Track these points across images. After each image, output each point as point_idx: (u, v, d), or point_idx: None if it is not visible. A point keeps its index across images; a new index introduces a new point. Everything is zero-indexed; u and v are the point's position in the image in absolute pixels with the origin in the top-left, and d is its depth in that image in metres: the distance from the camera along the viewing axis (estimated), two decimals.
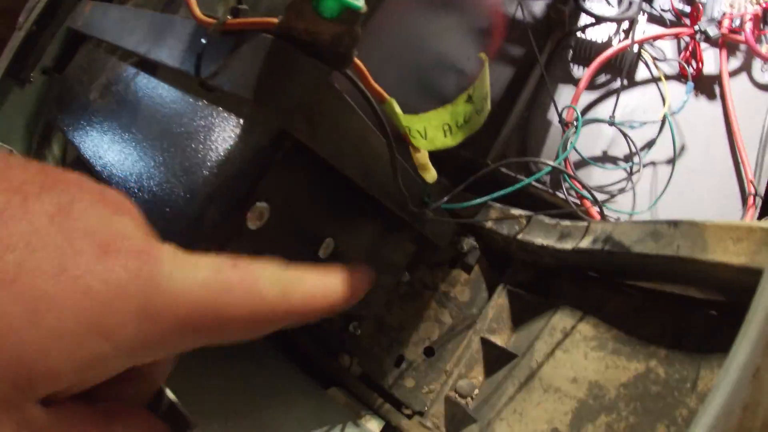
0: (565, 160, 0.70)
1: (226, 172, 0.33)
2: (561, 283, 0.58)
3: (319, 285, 0.24)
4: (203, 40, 0.34)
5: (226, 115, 0.36)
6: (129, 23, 0.49)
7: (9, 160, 0.19)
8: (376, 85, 0.30)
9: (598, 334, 0.52)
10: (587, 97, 0.77)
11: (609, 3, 0.83)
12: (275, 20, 0.28)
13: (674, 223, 0.45)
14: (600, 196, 0.70)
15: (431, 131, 0.30)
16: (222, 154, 0.34)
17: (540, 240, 0.56)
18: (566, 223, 0.55)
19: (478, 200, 0.56)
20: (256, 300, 0.21)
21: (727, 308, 0.48)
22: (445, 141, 0.31)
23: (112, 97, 0.49)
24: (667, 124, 0.73)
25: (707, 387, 0.45)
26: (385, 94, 0.30)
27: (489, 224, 0.60)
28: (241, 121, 0.34)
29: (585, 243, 0.52)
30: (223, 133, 0.35)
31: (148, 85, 0.45)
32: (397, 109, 0.29)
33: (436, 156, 0.41)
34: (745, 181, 0.69)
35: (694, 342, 0.48)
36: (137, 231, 0.20)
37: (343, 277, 0.26)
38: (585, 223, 0.53)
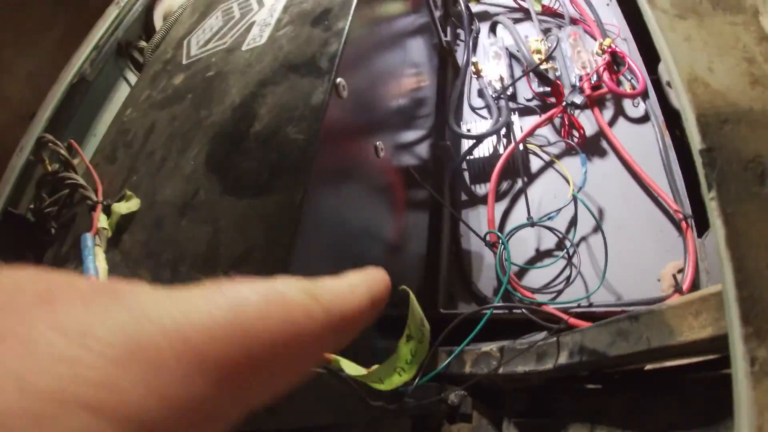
0: (509, 279, 0.71)
1: None
2: (560, 400, 0.58)
3: (342, 284, 0.20)
4: None
5: None
6: None
7: None
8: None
9: None
10: (499, 209, 0.81)
11: (482, 117, 0.92)
12: None
13: (634, 317, 0.47)
14: (552, 293, 0.72)
15: (386, 376, 0.31)
16: None
17: (521, 367, 0.57)
18: (539, 342, 0.56)
19: (452, 356, 0.57)
20: (282, 308, 0.17)
21: (716, 363, 0.50)
22: (402, 378, 0.32)
23: None
24: (580, 201, 0.77)
25: None
26: (330, 355, 0.30)
27: (467, 369, 0.60)
28: None
29: (563, 359, 0.53)
30: None
31: None
32: (345, 364, 0.30)
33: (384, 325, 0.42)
34: (671, 210, 0.74)
35: (702, 411, 0.48)
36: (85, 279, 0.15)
37: (359, 274, 0.22)
38: (554, 339, 0.54)
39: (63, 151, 0.55)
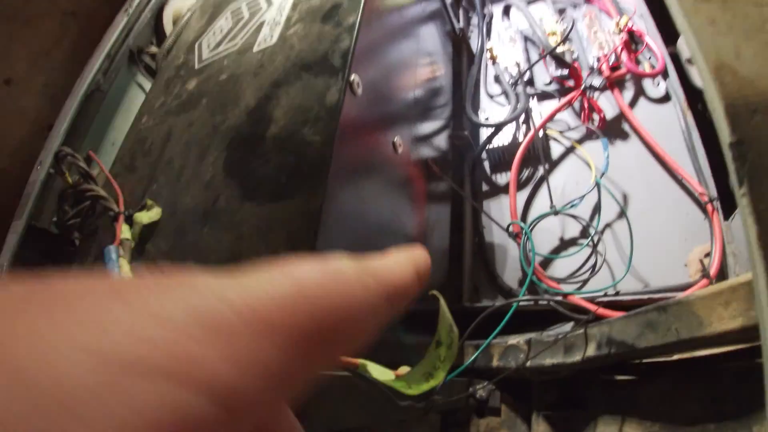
0: (534, 270, 0.70)
1: None
2: (589, 392, 0.57)
3: (389, 259, 0.22)
4: None
5: None
6: None
7: None
8: (346, 359, 0.30)
9: (646, 430, 0.51)
10: (521, 198, 0.80)
11: (500, 104, 0.90)
12: None
13: (662, 308, 0.46)
14: (578, 283, 0.71)
15: (414, 382, 0.31)
16: None
17: (549, 360, 0.56)
18: (567, 333, 0.55)
19: (479, 351, 0.56)
20: (339, 281, 0.18)
21: (745, 353, 0.48)
22: (430, 384, 0.31)
23: None
24: (603, 186, 0.75)
25: None
26: (356, 360, 0.30)
27: (495, 362, 0.60)
28: None
29: (591, 351, 0.52)
30: None
31: None
32: (373, 368, 0.30)
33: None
34: (695, 192, 0.71)
35: (733, 401, 0.47)
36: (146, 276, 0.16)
37: (402, 252, 0.23)
38: (582, 331, 0.53)
39: (82, 163, 0.55)
